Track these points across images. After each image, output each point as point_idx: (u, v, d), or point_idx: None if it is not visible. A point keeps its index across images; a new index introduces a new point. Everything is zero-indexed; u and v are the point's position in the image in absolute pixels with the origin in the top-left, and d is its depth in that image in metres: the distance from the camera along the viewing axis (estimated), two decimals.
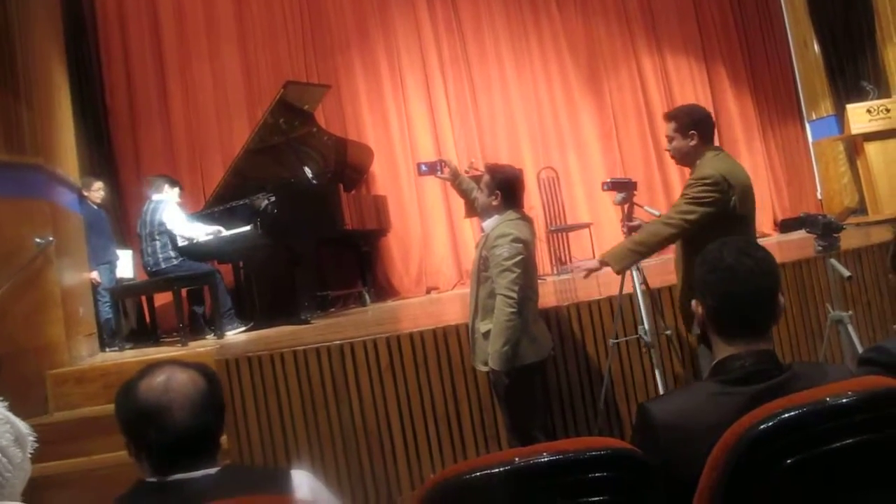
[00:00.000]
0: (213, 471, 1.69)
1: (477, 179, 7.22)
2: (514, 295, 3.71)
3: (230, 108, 8.57)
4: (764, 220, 9.06)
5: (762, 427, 1.52)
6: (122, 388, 1.76)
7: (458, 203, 8.23)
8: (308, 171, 7.02)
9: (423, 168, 4.39)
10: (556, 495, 1.52)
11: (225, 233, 6.72)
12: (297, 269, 6.71)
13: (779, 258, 5.04)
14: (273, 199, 6.56)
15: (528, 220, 3.96)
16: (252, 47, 8.71)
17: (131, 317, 7.34)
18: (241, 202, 6.77)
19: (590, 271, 3.93)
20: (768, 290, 1.82)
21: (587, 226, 8.41)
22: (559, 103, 9.06)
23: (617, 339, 4.54)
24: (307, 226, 6.67)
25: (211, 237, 6.69)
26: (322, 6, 8.86)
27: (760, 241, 2.27)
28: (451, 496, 1.49)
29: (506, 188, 3.92)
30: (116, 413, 1.74)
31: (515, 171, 4.06)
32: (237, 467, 2.54)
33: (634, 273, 4.21)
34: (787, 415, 1.54)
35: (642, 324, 4.20)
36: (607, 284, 5.08)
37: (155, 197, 6.83)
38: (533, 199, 8.32)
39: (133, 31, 8.55)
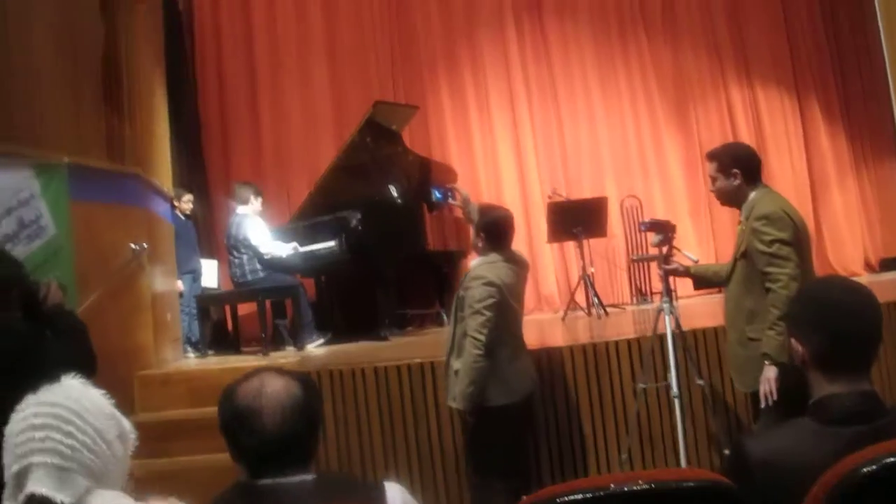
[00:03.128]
0: (309, 477, 1.72)
1: (559, 206, 7.30)
2: (482, 337, 3.74)
3: (318, 125, 8.72)
4: (855, 259, 8.79)
5: (864, 470, 1.48)
6: (224, 389, 1.81)
7: (539, 228, 8.22)
8: (393, 190, 7.11)
9: (437, 195, 4.45)
10: None
11: (307, 248, 6.84)
12: (378, 286, 6.79)
13: None
14: (359, 216, 6.67)
15: (514, 263, 3.96)
16: (341, 65, 8.85)
17: (214, 324, 7.53)
18: (327, 218, 6.91)
19: (674, 271, 3.92)
20: (877, 326, 1.79)
21: (677, 251, 8.27)
22: (644, 132, 8.96)
23: (644, 384, 4.45)
24: (390, 244, 6.76)
25: (294, 252, 6.81)
26: (411, 26, 8.96)
27: None
28: None
29: (490, 230, 3.95)
30: (218, 415, 1.80)
31: (503, 213, 4.08)
32: (332, 476, 2.57)
33: (667, 316, 4.13)
34: (891, 459, 1.49)
35: (671, 371, 4.10)
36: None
37: (240, 210, 7.02)
38: (615, 228, 8.25)
39: (227, 48, 8.81)
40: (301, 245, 6.91)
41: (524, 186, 8.76)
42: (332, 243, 6.70)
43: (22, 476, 1.57)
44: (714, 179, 3.61)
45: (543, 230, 7.67)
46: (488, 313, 3.76)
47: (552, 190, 7.90)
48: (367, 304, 6.91)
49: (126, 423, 1.80)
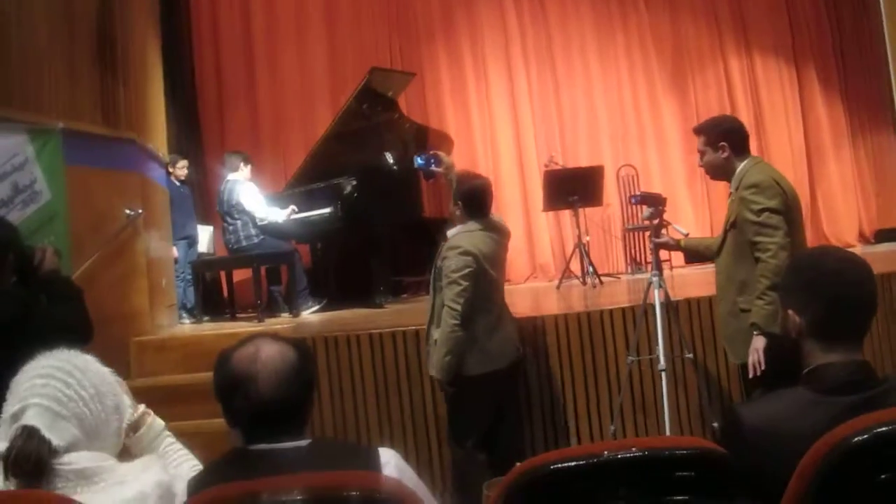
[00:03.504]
0: (303, 443, 1.73)
1: (555, 174, 7.28)
2: (458, 307, 3.73)
3: (314, 92, 8.69)
4: (848, 230, 8.83)
5: (856, 439, 1.49)
6: (219, 355, 1.82)
7: (535, 195, 8.23)
8: (389, 157, 7.06)
9: (419, 161, 4.41)
10: (642, 491, 1.52)
11: (304, 213, 6.83)
12: (374, 253, 6.79)
13: None
14: (355, 182, 6.66)
15: (492, 231, 3.94)
16: (338, 32, 8.81)
17: (209, 290, 7.53)
18: (323, 184, 6.89)
19: (665, 244, 3.95)
20: (874, 295, 1.81)
21: (665, 226, 8.28)
22: (642, 100, 8.95)
23: (634, 357, 4.45)
24: (386, 211, 6.75)
25: (292, 217, 6.81)
26: None
27: None
28: (538, 484, 1.51)
29: (467, 199, 3.92)
30: (213, 380, 1.81)
31: (480, 181, 4.04)
32: (326, 442, 2.59)
33: (656, 289, 4.13)
34: (882, 428, 1.50)
35: (658, 345, 4.10)
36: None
37: (230, 176, 6.99)
38: (611, 197, 8.24)
39: (223, 13, 8.75)
40: (297, 211, 6.89)
41: (521, 154, 8.76)
42: (327, 210, 6.68)
43: (18, 414, 1.63)
44: (702, 153, 3.59)
45: (540, 198, 7.67)
46: (464, 283, 3.75)
47: (549, 158, 7.88)
48: (362, 271, 6.90)
49: (126, 401, 1.84)
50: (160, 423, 2.00)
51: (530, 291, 7.60)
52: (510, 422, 4.21)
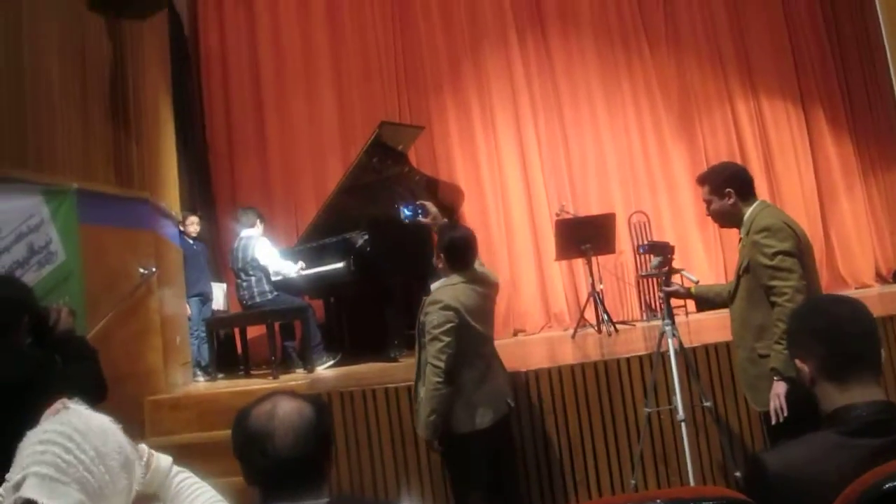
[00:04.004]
0: (322, 502, 1.72)
1: (567, 223, 7.29)
2: (441, 364, 3.65)
3: (324, 147, 8.77)
4: (865, 270, 8.75)
5: (887, 486, 1.47)
6: (238, 413, 1.81)
7: (548, 245, 8.23)
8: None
9: (406, 212, 4.40)
10: None
11: (315, 269, 6.86)
12: (387, 306, 6.78)
13: (880, 310, 4.94)
14: (367, 236, 6.69)
15: (476, 283, 3.85)
16: (347, 87, 8.92)
17: (223, 348, 7.52)
18: (335, 239, 6.93)
19: (675, 293, 3.92)
20: (873, 327, 1.83)
21: (677, 272, 8.27)
22: (651, 146, 8.97)
23: (652, 407, 4.42)
24: (398, 264, 6.76)
25: (304, 273, 6.84)
26: (416, 47, 9.03)
27: (860, 292, 2.22)
28: None
29: (449, 251, 3.86)
30: (231, 437, 1.80)
31: (462, 233, 3.97)
32: (345, 499, 2.57)
33: (669, 339, 4.09)
34: None
35: (676, 395, 4.04)
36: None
37: (244, 233, 7.05)
38: (623, 244, 8.23)
39: (233, 69, 8.91)
40: (309, 266, 6.94)
41: (531, 204, 8.77)
42: (339, 264, 6.70)
43: (20, 484, 1.60)
44: (709, 203, 3.57)
45: (552, 248, 7.66)
46: (446, 338, 3.67)
47: (560, 207, 7.90)
48: (376, 324, 6.90)
49: (134, 455, 1.81)
50: (166, 460, 1.96)
51: (545, 341, 7.56)
52: (510, 476, 4.14)
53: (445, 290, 3.80)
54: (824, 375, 1.80)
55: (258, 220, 7.09)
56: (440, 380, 3.65)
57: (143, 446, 1.92)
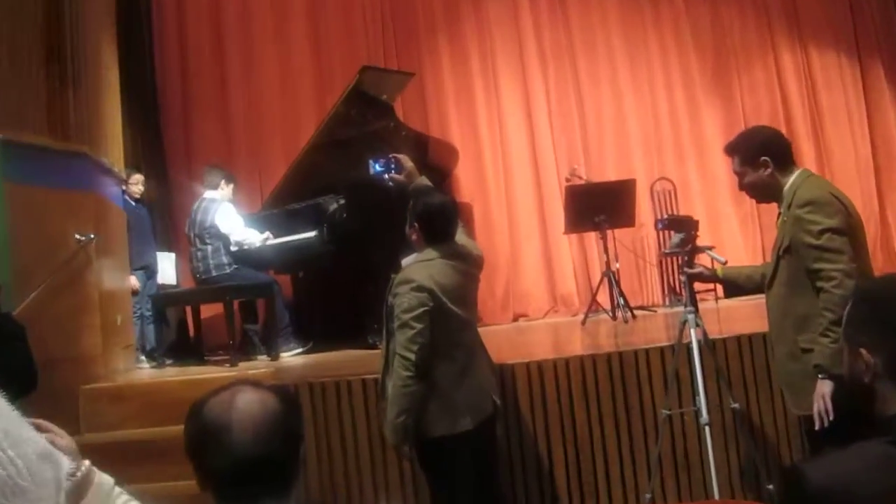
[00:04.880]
0: None
1: (578, 190, 7.29)
2: (412, 356, 3.55)
3: (296, 97, 8.74)
4: None
5: None
6: (192, 405, 1.80)
7: (555, 216, 8.24)
8: None
9: (376, 167, 4.35)
10: None
11: (282, 239, 6.86)
12: (367, 284, 6.74)
13: None
14: (343, 201, 6.68)
15: (456, 259, 3.79)
16: (324, 28, 8.88)
17: (172, 329, 7.53)
18: (306, 204, 6.92)
19: (699, 276, 3.90)
20: None
21: (708, 249, 8.29)
22: (679, 104, 8.98)
23: (674, 409, 4.43)
24: (380, 234, 6.71)
25: (270, 243, 6.84)
26: None
27: None
28: None
29: (425, 220, 3.78)
30: (184, 434, 1.79)
31: (440, 200, 3.92)
32: None
33: (692, 329, 4.09)
34: None
35: (699, 394, 4.05)
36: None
37: (207, 194, 7.02)
38: (644, 216, 8.25)
39: (189, 6, 8.82)
40: (276, 235, 6.92)
41: (537, 168, 8.79)
42: (311, 233, 6.69)
43: None
44: (741, 175, 3.52)
45: (560, 219, 7.68)
46: (418, 325, 3.57)
47: (570, 171, 7.89)
48: (354, 305, 6.90)
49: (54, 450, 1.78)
50: (109, 479, 1.95)
51: (551, 328, 7.59)
52: (493, 486, 4.07)
53: (418, 267, 3.73)
54: (890, 373, 1.79)
55: (223, 182, 7.07)
56: (411, 374, 3.57)
57: (87, 462, 1.91)
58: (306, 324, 7.26)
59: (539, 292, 8.60)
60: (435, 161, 8.01)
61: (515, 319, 8.53)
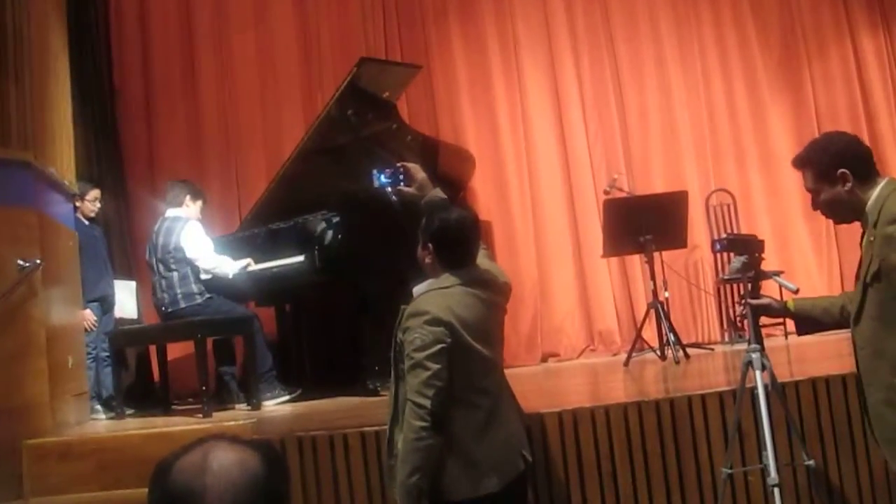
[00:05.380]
0: None
1: (620, 205, 7.28)
2: (427, 402, 3.51)
3: (280, 96, 8.82)
4: None
5: None
6: (157, 465, 1.80)
7: (591, 235, 8.30)
8: None
9: (381, 178, 4.34)
10: None
11: (265, 265, 6.88)
12: (367, 318, 6.78)
13: None
14: (337, 219, 6.69)
15: (478, 286, 3.74)
16: (313, 13, 8.96)
17: (132, 373, 7.55)
18: (293, 223, 6.93)
19: (765, 308, 3.88)
20: None
21: (776, 274, 8.27)
22: (739, 100, 9.00)
23: (731, 468, 4.36)
24: (382, 258, 6.70)
25: (246, 269, 6.87)
26: None
27: None
28: None
29: (442, 239, 3.73)
30: (147, 499, 1.79)
31: (459, 214, 3.84)
32: None
33: (757, 372, 4.05)
34: None
35: (765, 449, 4.02)
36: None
37: (170, 213, 7.04)
38: (698, 235, 8.24)
39: None
40: (257, 260, 6.93)
41: (570, 178, 8.82)
42: (299, 258, 6.69)
43: None
44: (815, 192, 3.47)
45: (597, 239, 7.70)
46: (434, 365, 3.51)
47: (610, 182, 7.87)
48: (351, 343, 6.93)
49: None
50: None
51: (587, 371, 7.58)
52: None
53: (434, 296, 3.68)
54: None
55: (188, 198, 7.09)
56: (426, 424, 3.52)
57: None
58: (294, 366, 7.31)
59: (573, 328, 8.61)
60: (447, 171, 8.04)
61: (544, 360, 8.55)
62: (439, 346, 3.54)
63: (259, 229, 7.22)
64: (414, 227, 6.57)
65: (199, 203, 7.18)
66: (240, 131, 8.78)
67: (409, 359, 3.59)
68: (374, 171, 4.38)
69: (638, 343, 7.40)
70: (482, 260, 3.91)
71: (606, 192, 7.73)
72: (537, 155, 8.84)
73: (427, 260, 3.79)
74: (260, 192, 7.73)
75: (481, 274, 3.81)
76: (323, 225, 6.74)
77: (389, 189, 4.39)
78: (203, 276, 6.89)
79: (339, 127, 7.30)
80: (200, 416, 6.21)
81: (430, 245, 3.76)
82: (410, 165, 4.28)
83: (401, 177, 4.25)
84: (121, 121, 8.66)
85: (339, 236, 6.68)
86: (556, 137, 8.87)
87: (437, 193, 4.15)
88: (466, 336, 3.62)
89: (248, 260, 6.90)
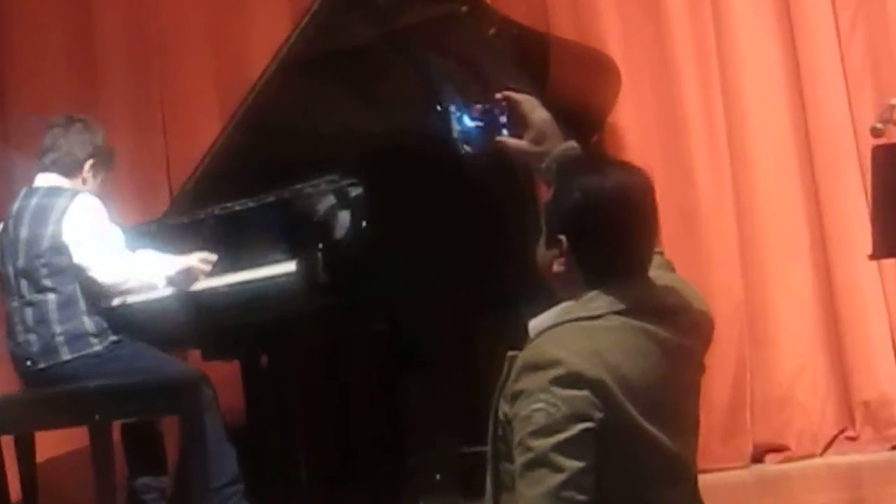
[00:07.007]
0: None
1: None
2: None
3: None
4: None
5: None
6: None
7: (847, 220, 8.25)
8: (452, 121, 6.95)
9: (466, 121, 4.14)
10: None
11: (227, 279, 6.76)
12: (413, 378, 6.60)
13: None
14: (356, 192, 6.58)
15: (654, 314, 3.48)
16: None
17: None
18: (274, 199, 6.86)
19: None
20: None
21: None
22: None
23: None
24: (445, 266, 6.56)
25: (182, 282, 6.76)
26: None
27: None
28: None
29: (586, 227, 3.52)
30: None
31: (625, 181, 3.61)
32: None
33: None
34: None
35: None
36: None
37: (42, 181, 7.06)
38: None
39: None
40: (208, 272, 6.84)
41: (804, 111, 8.71)
42: (287, 266, 6.54)
43: None
44: None
45: (860, 227, 7.54)
46: (571, 463, 3.26)
47: (881, 116, 7.61)
48: (380, 429, 6.91)
49: None
50: None
51: (844, 478, 7.34)
52: None
53: (571, 332, 3.45)
54: None
55: (89, 158, 7.07)
56: None
57: None
58: (277, 473, 7.13)
59: (813, 394, 8.45)
60: (567, 94, 7.80)
61: (759, 459, 8.43)
62: (580, 428, 3.24)
63: (210, 211, 7.13)
64: (518, 207, 6.45)
65: (99, 171, 7.17)
66: (167, 31, 9.01)
67: (522, 451, 3.32)
68: (454, 110, 4.18)
69: None
70: (657, 272, 3.69)
71: (877, 133, 7.46)
72: (739, 68, 8.80)
73: (556, 267, 3.56)
74: (208, 142, 7.73)
75: (659, 295, 3.58)
76: (331, 202, 6.60)
77: (480, 139, 4.15)
78: (106, 302, 6.74)
79: (357, 9, 7.19)
80: None
81: (562, 239, 3.52)
82: (520, 97, 4.03)
83: (502, 118, 4.00)
84: None
85: (361, 223, 6.49)
86: (780, 42, 8.83)
87: (573, 148, 3.87)
88: (630, 409, 3.32)
89: (205, 253, 6.79)
